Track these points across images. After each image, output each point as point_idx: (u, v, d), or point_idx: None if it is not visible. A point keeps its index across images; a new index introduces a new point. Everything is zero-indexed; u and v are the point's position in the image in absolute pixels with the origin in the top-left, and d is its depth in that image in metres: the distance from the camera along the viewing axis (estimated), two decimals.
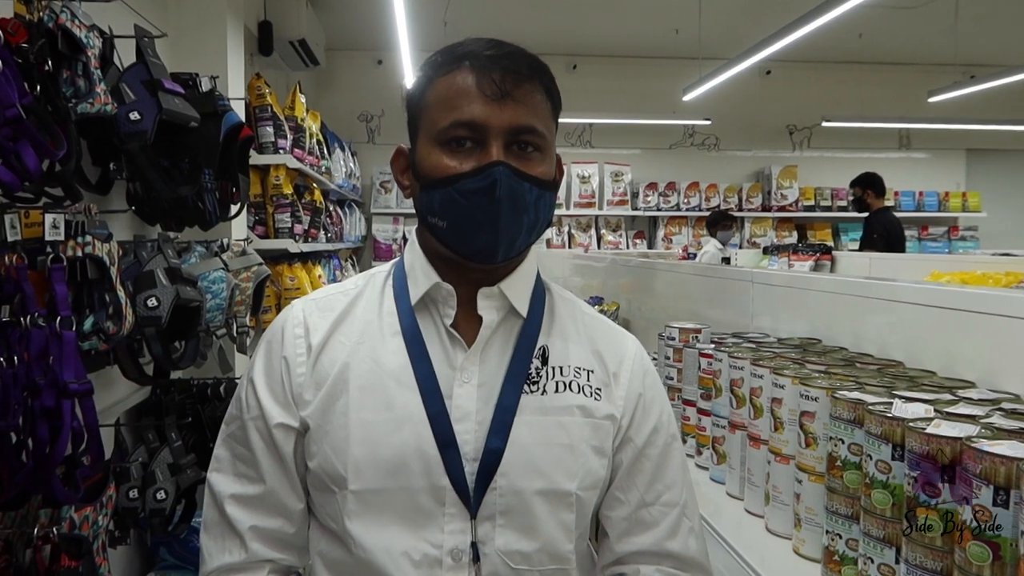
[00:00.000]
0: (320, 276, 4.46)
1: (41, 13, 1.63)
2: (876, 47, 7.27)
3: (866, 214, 6.11)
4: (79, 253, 1.71)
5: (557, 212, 7.76)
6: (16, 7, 1.60)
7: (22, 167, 1.38)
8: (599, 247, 7.80)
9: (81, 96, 1.72)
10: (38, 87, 1.53)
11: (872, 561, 1.01)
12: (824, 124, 7.50)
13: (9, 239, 1.53)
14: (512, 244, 1.00)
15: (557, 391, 1.03)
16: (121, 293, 1.82)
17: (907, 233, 7.53)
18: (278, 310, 3.72)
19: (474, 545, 0.97)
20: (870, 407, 1.04)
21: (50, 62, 1.61)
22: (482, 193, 0.95)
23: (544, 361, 1.05)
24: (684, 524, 1.08)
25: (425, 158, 0.99)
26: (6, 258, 1.52)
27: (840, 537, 1.09)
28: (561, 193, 7.72)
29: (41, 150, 1.43)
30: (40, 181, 1.51)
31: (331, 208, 5.26)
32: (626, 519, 1.07)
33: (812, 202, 8.03)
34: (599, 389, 1.06)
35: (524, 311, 1.06)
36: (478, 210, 0.96)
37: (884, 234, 5.81)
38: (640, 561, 1.06)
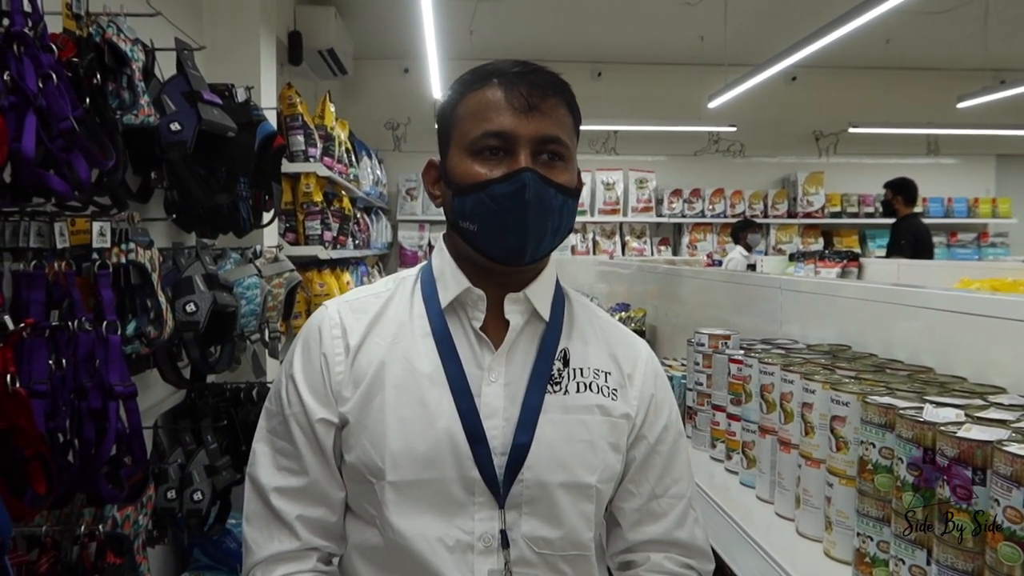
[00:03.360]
0: (348, 283, 4.52)
1: (89, 28, 1.69)
2: (904, 52, 7.22)
3: (893, 220, 6.06)
4: (123, 260, 1.76)
5: (581, 219, 7.79)
6: (66, 23, 1.66)
7: (74, 177, 1.44)
8: (623, 254, 7.80)
9: (126, 108, 1.78)
10: (88, 99, 1.59)
11: (903, 563, 1.02)
12: (851, 130, 7.45)
13: (58, 246, 1.59)
14: (539, 246, 1.06)
15: (578, 391, 1.10)
16: (162, 298, 1.87)
17: (936, 240, 7.44)
18: (308, 316, 3.76)
19: (503, 532, 1.03)
20: (901, 411, 1.05)
21: (98, 75, 1.67)
22: (512, 197, 1.01)
23: (566, 363, 1.11)
24: (691, 515, 1.16)
25: (457, 166, 1.06)
26: (55, 264, 1.58)
27: (871, 539, 1.10)
28: (585, 199, 7.75)
29: (92, 160, 1.49)
30: (90, 190, 1.56)
31: (359, 215, 5.32)
32: (638, 510, 1.14)
33: (839, 209, 7.97)
34: (615, 390, 1.12)
35: (547, 316, 1.12)
36: (507, 213, 1.02)
37: (912, 241, 5.76)
38: (650, 549, 1.14)
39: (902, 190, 5.92)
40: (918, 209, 6.40)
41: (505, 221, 1.02)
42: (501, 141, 1.03)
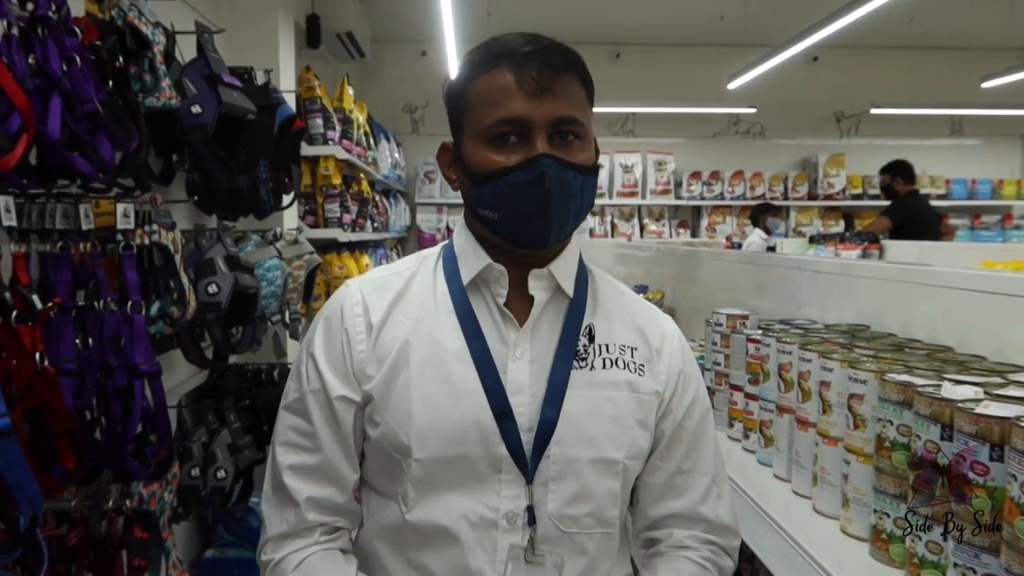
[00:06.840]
0: (367, 265, 4.55)
1: (111, 11, 1.70)
2: (927, 31, 7.10)
3: (888, 203, 5.93)
4: (146, 241, 1.79)
5: (600, 202, 7.76)
6: (88, 6, 1.68)
7: (98, 159, 1.46)
8: (642, 236, 7.77)
9: (148, 90, 1.80)
10: (110, 82, 1.61)
11: (920, 539, 1.02)
12: (873, 111, 7.35)
13: (84, 227, 1.61)
14: (562, 230, 1.06)
15: (604, 367, 1.10)
16: (185, 280, 1.90)
17: (959, 222, 7.35)
18: (327, 298, 3.79)
19: (529, 508, 1.03)
20: (919, 388, 1.05)
21: (120, 58, 1.68)
22: (532, 185, 1.00)
23: (591, 339, 1.11)
24: (714, 491, 1.15)
25: (472, 154, 1.05)
26: (81, 245, 1.60)
27: (888, 516, 1.11)
28: (604, 182, 7.72)
29: (115, 142, 1.51)
30: (114, 172, 1.58)
31: (377, 198, 5.34)
32: (662, 485, 1.14)
33: (860, 191, 7.87)
34: (642, 365, 1.12)
35: (571, 292, 1.12)
36: (528, 200, 1.01)
37: (909, 218, 5.58)
38: (673, 525, 1.14)
39: (900, 171, 5.80)
40: (941, 191, 6.27)
41: (526, 209, 1.02)
42: (515, 127, 1.01)
